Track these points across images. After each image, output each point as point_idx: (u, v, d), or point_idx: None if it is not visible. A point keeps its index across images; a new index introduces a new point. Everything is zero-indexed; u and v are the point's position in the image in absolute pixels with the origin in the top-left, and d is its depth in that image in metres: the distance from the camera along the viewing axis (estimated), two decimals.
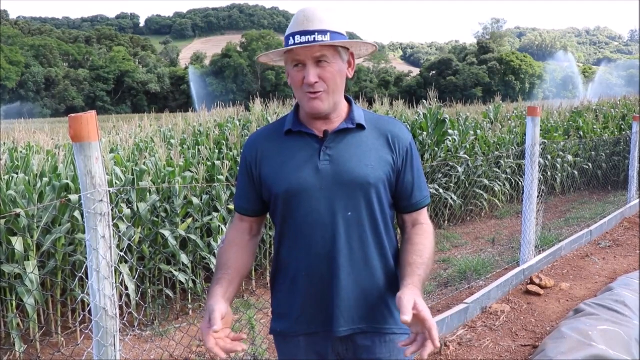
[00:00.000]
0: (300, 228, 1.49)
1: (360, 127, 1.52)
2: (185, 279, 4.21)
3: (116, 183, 4.17)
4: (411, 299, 1.28)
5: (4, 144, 5.42)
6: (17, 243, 3.43)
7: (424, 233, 1.54)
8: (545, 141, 8.10)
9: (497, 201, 7.83)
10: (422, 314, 1.26)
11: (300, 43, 1.40)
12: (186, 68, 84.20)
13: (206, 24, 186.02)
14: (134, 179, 4.27)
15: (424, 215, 1.60)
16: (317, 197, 1.46)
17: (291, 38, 1.43)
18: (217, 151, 5.63)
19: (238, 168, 1.66)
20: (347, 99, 1.56)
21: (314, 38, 1.40)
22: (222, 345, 1.32)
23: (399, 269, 1.50)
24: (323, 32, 1.41)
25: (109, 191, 2.00)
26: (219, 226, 4.48)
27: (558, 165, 8.83)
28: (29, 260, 3.54)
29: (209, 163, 5.11)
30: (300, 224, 1.49)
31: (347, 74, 1.51)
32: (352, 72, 1.54)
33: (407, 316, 1.23)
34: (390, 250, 1.55)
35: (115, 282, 2.08)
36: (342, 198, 1.46)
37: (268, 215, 1.63)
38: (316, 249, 1.47)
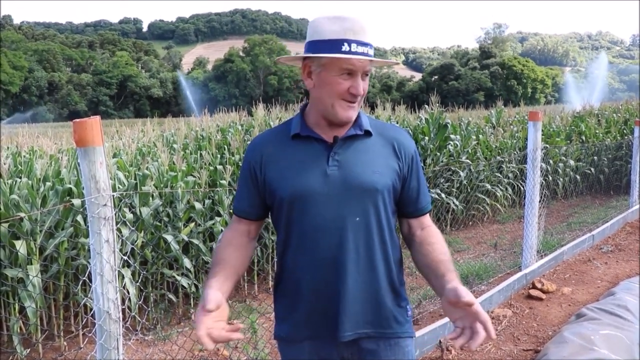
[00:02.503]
0: (306, 232, 1.48)
1: (368, 133, 1.52)
2: (188, 284, 4.22)
3: (119, 187, 4.19)
4: (464, 289, 1.30)
5: (8, 148, 5.45)
6: (20, 247, 3.44)
7: (436, 234, 1.56)
8: (547, 146, 8.10)
9: (499, 206, 7.83)
10: (475, 307, 1.28)
11: (357, 53, 1.39)
12: (188, 73, 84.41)
13: (209, 28, 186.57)
14: (136, 183, 4.29)
15: (428, 219, 1.62)
16: (323, 202, 1.45)
17: (345, 44, 1.38)
18: (219, 156, 5.65)
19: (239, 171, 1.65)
20: None
21: (368, 51, 1.41)
22: (216, 334, 1.27)
23: (429, 269, 1.48)
24: (371, 46, 1.43)
25: (113, 195, 2.01)
26: (222, 230, 4.49)
27: (560, 170, 8.82)
28: (31, 264, 3.54)
29: (211, 168, 5.12)
30: (305, 228, 1.47)
31: None
32: None
33: (468, 298, 1.27)
34: (393, 255, 1.55)
35: (119, 286, 2.09)
36: (350, 204, 1.46)
37: (270, 220, 1.62)
38: (322, 254, 1.46)
